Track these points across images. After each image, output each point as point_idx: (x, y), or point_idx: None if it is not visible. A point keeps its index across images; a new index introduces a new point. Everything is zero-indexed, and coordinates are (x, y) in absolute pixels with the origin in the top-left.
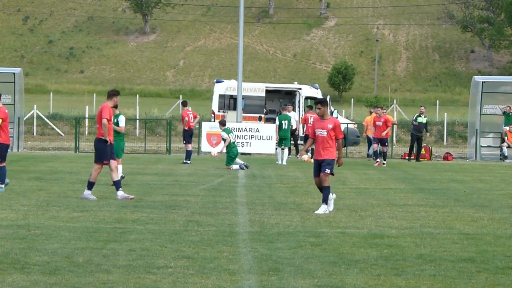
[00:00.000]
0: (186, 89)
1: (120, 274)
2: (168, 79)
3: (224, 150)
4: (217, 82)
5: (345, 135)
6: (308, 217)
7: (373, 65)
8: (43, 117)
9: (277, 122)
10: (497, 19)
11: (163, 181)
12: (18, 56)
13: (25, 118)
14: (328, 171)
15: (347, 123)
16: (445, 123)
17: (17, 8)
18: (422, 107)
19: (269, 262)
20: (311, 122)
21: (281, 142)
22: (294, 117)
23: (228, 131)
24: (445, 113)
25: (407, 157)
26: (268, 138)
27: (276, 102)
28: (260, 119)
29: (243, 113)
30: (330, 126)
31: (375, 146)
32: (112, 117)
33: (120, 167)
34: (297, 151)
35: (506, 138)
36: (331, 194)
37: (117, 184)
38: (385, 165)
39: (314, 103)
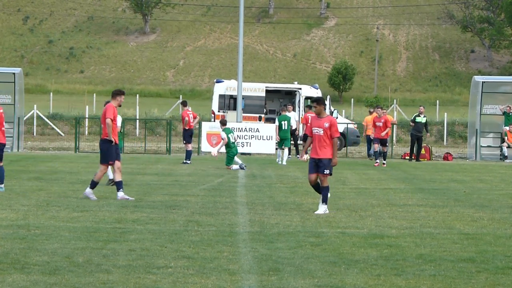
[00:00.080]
0: (186, 89)
1: (120, 274)
2: (168, 79)
3: (224, 150)
4: (217, 82)
5: (345, 135)
6: (308, 217)
7: (373, 65)
8: (43, 117)
9: (276, 123)
10: (497, 19)
11: (163, 181)
12: (18, 56)
13: (25, 118)
14: (327, 171)
15: (347, 123)
16: (445, 123)
17: (17, 8)
18: (421, 107)
19: (269, 262)
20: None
21: (281, 142)
22: (294, 117)
23: (229, 131)
24: (445, 113)
25: (407, 157)
26: (268, 138)
27: (276, 102)
28: (260, 119)
29: (243, 113)
30: (327, 124)
31: (376, 147)
32: (117, 116)
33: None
34: (297, 151)
35: (506, 138)
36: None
37: (118, 185)
38: (385, 165)
39: (310, 102)
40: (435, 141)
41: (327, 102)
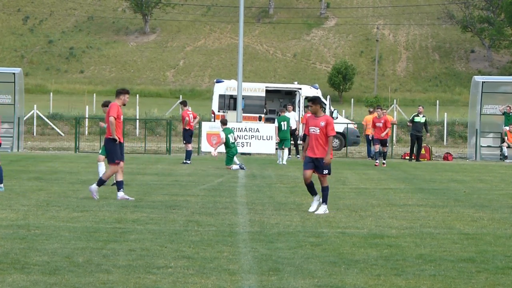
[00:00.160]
0: (186, 89)
1: (120, 274)
2: (168, 79)
3: (223, 150)
4: (217, 82)
5: (345, 135)
6: (308, 217)
7: (373, 65)
8: (43, 117)
9: (276, 124)
10: (497, 19)
11: (163, 181)
12: (18, 56)
13: (25, 118)
14: (326, 172)
15: (347, 123)
16: (445, 123)
17: (17, 8)
18: (420, 107)
19: (269, 262)
20: None
21: (281, 142)
22: (294, 117)
23: (229, 131)
24: (445, 113)
25: (407, 157)
26: (268, 138)
27: (276, 102)
28: (260, 119)
29: (243, 113)
30: (323, 123)
31: (377, 147)
32: (121, 115)
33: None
34: (297, 151)
35: (506, 138)
36: (316, 197)
37: (119, 185)
38: (385, 165)
39: (307, 101)
40: (435, 141)
41: (327, 102)
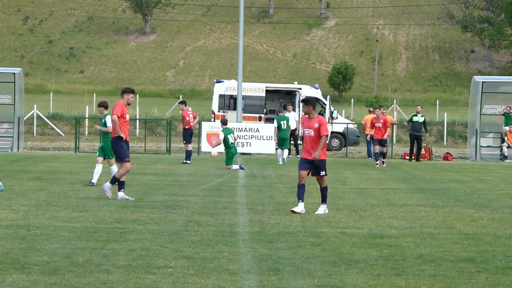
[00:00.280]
0: (186, 89)
1: (120, 274)
2: (168, 79)
3: (223, 150)
4: (217, 82)
5: (345, 135)
6: (308, 217)
7: (373, 65)
8: (43, 117)
9: (275, 124)
10: (497, 19)
11: (163, 181)
12: (18, 56)
13: (25, 118)
14: (323, 173)
15: (347, 123)
16: (445, 123)
17: (17, 8)
18: (419, 107)
19: (269, 262)
20: None
21: (281, 143)
22: (294, 117)
23: (229, 131)
24: (445, 113)
25: (407, 157)
26: (268, 138)
27: (276, 102)
28: (260, 119)
29: (243, 113)
30: (316, 125)
31: (377, 148)
32: (126, 114)
33: (114, 167)
34: (297, 151)
35: (506, 138)
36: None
37: (120, 185)
38: (384, 165)
39: (301, 102)
40: (435, 141)
41: (327, 102)
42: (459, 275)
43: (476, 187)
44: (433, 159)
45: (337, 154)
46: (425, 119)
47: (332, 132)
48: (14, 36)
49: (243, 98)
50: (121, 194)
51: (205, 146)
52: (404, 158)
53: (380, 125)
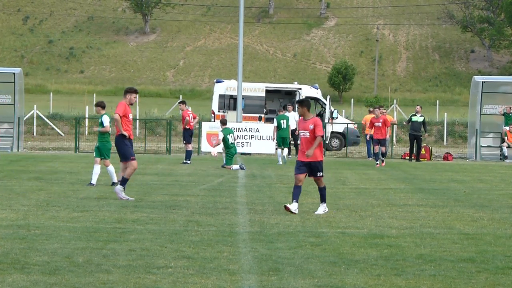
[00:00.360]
0: (186, 89)
1: (120, 274)
2: (168, 79)
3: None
4: (217, 82)
5: (345, 135)
6: (308, 217)
7: (373, 65)
8: (43, 117)
9: (275, 123)
10: (497, 19)
11: (163, 181)
12: (18, 56)
13: (25, 118)
14: (320, 174)
15: (347, 123)
16: (445, 123)
17: (17, 8)
18: (418, 106)
19: (269, 262)
20: None
21: (280, 142)
22: (294, 117)
23: (228, 131)
24: (445, 113)
25: (407, 157)
26: (268, 138)
27: (276, 102)
28: (260, 119)
29: (243, 113)
30: (311, 126)
31: (376, 148)
32: (129, 114)
33: (110, 168)
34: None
35: (506, 138)
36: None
37: (122, 182)
38: (383, 164)
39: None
40: (435, 141)
41: (327, 102)
42: (459, 275)
43: (476, 187)
44: (433, 159)
45: (337, 154)
46: (424, 119)
47: (332, 132)
48: (14, 36)
49: (243, 98)
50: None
51: (205, 146)
52: (404, 158)
53: (380, 124)
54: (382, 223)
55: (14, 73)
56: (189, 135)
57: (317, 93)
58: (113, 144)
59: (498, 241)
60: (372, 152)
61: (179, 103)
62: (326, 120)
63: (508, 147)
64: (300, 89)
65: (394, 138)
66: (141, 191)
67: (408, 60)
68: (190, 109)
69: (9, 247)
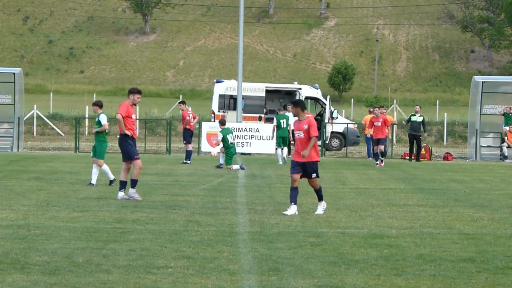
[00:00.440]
0: (186, 89)
1: (120, 274)
2: (168, 79)
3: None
4: (217, 82)
5: (345, 135)
6: (308, 217)
7: (373, 65)
8: (43, 117)
9: (274, 122)
10: (497, 19)
11: (163, 181)
12: (18, 56)
13: (25, 118)
14: (314, 175)
15: (347, 123)
16: (445, 123)
17: (17, 8)
18: (417, 106)
19: (269, 262)
20: None
21: (280, 141)
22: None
23: (228, 131)
24: (445, 113)
25: (407, 157)
26: (268, 138)
27: (276, 102)
28: (260, 119)
29: (243, 113)
30: (306, 126)
31: (376, 148)
32: (133, 114)
33: (105, 167)
34: None
35: (506, 138)
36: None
37: (122, 185)
38: (383, 164)
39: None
40: (435, 141)
41: (327, 102)
42: (459, 275)
43: (476, 187)
44: (433, 159)
45: (337, 154)
46: (423, 118)
47: (332, 132)
48: (14, 36)
49: (243, 98)
50: (121, 194)
51: (205, 146)
52: (404, 158)
53: (379, 124)
54: (382, 223)
55: (14, 73)
56: (189, 135)
57: (317, 93)
58: (110, 144)
59: (498, 241)
60: (372, 152)
61: (179, 103)
62: (326, 120)
63: (508, 147)
64: (300, 89)
65: (394, 138)
66: (141, 191)
67: (408, 60)
68: (190, 109)
69: (9, 247)
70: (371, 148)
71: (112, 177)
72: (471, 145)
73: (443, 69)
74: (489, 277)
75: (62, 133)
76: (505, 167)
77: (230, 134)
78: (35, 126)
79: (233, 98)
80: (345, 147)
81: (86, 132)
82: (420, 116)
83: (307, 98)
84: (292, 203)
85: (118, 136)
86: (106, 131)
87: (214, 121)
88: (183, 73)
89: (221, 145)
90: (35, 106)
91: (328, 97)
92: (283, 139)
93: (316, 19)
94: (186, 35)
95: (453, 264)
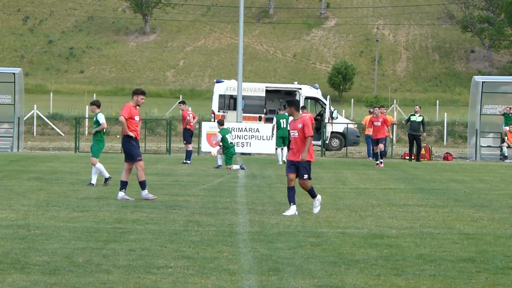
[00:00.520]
0: (186, 89)
1: (120, 274)
2: (168, 79)
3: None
4: (217, 82)
5: (345, 135)
6: (308, 217)
7: (373, 65)
8: (43, 117)
9: (274, 122)
10: (497, 19)
11: (163, 181)
12: (18, 56)
13: (25, 118)
14: (306, 176)
15: (347, 123)
16: (445, 123)
17: (17, 8)
18: (417, 106)
19: (269, 262)
20: None
21: (280, 141)
22: None
23: (227, 131)
24: (445, 113)
25: (407, 157)
26: (268, 138)
27: (276, 102)
28: (260, 119)
29: (243, 113)
30: (300, 126)
31: (376, 148)
32: (136, 115)
33: (99, 166)
34: None
35: (506, 138)
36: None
37: (122, 185)
38: (382, 165)
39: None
40: (435, 141)
41: (327, 102)
42: (459, 275)
43: (476, 187)
44: (433, 159)
45: (337, 154)
46: (423, 118)
47: (332, 132)
48: (14, 36)
49: (243, 98)
50: (121, 194)
51: (205, 146)
52: (404, 158)
53: (379, 124)
54: (382, 223)
55: (14, 73)
56: (189, 135)
57: (317, 93)
58: (110, 144)
59: (498, 241)
60: (372, 152)
61: (179, 103)
62: (326, 120)
63: (508, 147)
64: (300, 89)
65: (394, 138)
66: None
67: (408, 60)
68: (190, 109)
69: (9, 247)
70: (371, 148)
71: (107, 175)
72: (471, 145)
73: (443, 69)
74: (489, 277)
75: (62, 133)
76: (505, 167)
77: (229, 134)
78: (35, 126)
79: (233, 98)
80: (345, 147)
81: (86, 132)
82: (419, 116)
83: (307, 98)
84: (291, 203)
85: (118, 136)
86: (104, 130)
87: (214, 121)
88: (183, 73)
89: (219, 146)
90: (35, 106)
91: (328, 97)
92: (283, 139)
93: (316, 19)
94: (186, 35)
95: (453, 264)
